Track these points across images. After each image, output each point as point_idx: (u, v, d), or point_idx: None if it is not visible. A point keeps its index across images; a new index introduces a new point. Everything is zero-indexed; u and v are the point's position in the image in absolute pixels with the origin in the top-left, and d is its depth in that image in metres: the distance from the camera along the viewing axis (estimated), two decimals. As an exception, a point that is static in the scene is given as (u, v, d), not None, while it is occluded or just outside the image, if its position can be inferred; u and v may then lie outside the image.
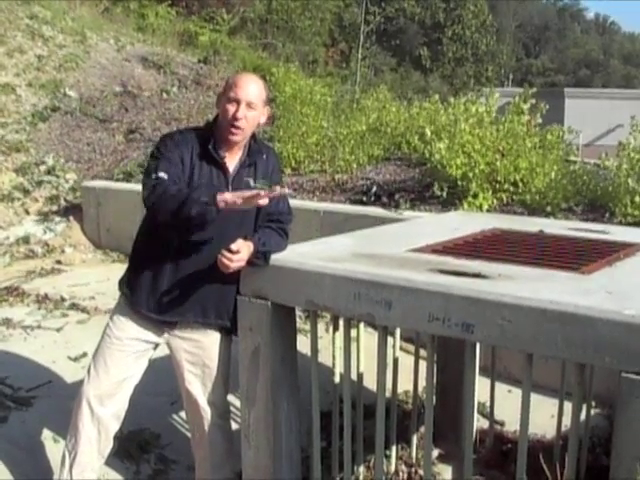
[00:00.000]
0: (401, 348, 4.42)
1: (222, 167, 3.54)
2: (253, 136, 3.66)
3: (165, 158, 3.47)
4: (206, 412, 3.70)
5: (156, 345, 3.73)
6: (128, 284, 3.68)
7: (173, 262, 3.54)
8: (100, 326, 3.76)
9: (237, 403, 4.02)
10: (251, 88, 3.52)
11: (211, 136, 3.55)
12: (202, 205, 3.17)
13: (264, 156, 3.68)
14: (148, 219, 3.57)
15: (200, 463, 3.86)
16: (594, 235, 4.10)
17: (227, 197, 3.19)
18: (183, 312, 3.60)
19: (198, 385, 3.69)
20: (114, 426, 3.75)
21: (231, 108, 3.48)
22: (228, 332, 3.71)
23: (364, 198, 8.19)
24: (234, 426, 3.98)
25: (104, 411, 3.66)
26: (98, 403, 3.64)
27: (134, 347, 3.65)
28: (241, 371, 3.55)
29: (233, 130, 3.49)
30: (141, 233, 3.70)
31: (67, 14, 16.18)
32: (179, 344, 3.68)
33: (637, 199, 6.68)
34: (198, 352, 3.67)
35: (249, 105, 3.49)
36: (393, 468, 4.29)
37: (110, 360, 3.64)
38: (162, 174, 3.38)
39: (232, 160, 3.58)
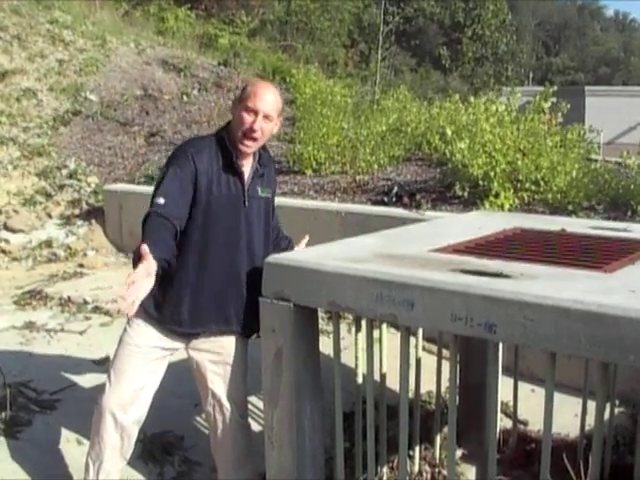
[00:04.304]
0: (424, 348, 4.42)
1: (240, 176, 3.57)
2: (263, 145, 3.68)
3: (170, 176, 3.42)
4: (229, 410, 3.71)
5: (175, 350, 3.75)
6: (152, 301, 3.51)
7: (194, 274, 3.55)
8: (123, 329, 3.77)
9: (259, 404, 4.02)
10: (269, 99, 3.51)
11: (229, 144, 3.53)
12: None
13: (275, 165, 3.79)
14: None
15: (221, 464, 3.88)
16: (616, 233, 4.07)
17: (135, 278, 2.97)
18: (206, 323, 3.63)
19: (221, 384, 3.70)
20: (136, 431, 3.77)
21: (248, 118, 3.46)
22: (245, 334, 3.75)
23: (385, 199, 8.19)
24: (257, 427, 3.98)
25: (127, 418, 3.67)
26: (121, 411, 3.64)
27: (154, 354, 3.66)
28: (264, 372, 3.54)
29: (247, 142, 3.49)
30: None
31: (87, 18, 16.29)
32: (200, 346, 3.69)
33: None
34: (220, 351, 3.69)
35: (266, 117, 3.48)
36: (417, 468, 4.28)
37: (131, 368, 3.64)
38: (161, 199, 3.33)
39: (247, 168, 3.62)
